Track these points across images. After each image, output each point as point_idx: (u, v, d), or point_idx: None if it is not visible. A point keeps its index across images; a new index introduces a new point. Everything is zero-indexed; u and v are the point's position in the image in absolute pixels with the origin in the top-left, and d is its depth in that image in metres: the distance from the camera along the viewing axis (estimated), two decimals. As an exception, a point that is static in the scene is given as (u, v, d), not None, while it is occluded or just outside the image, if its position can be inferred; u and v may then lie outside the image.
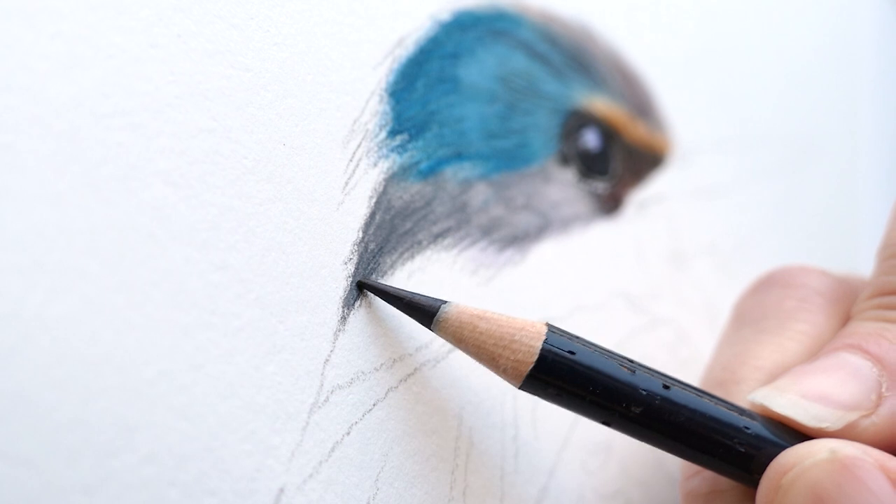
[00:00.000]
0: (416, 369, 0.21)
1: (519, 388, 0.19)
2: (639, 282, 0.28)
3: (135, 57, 0.17)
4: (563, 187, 0.26)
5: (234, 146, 0.19)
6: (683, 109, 0.31)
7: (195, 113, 0.18)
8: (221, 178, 0.18)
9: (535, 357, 0.19)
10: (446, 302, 0.20)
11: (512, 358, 0.19)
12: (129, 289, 0.16)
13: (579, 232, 0.26)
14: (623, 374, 0.19)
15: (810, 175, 0.35)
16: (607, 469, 0.25)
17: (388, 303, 0.20)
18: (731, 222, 0.32)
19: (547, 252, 0.25)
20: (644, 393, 0.19)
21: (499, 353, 0.19)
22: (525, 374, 0.19)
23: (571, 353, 0.19)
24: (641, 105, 0.29)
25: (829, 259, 0.31)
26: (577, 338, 0.20)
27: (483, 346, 0.19)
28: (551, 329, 0.19)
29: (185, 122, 0.18)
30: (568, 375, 0.19)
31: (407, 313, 0.20)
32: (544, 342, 0.19)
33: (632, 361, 0.20)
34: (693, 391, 0.20)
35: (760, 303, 0.24)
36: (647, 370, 0.20)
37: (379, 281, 0.21)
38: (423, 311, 0.20)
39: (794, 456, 0.19)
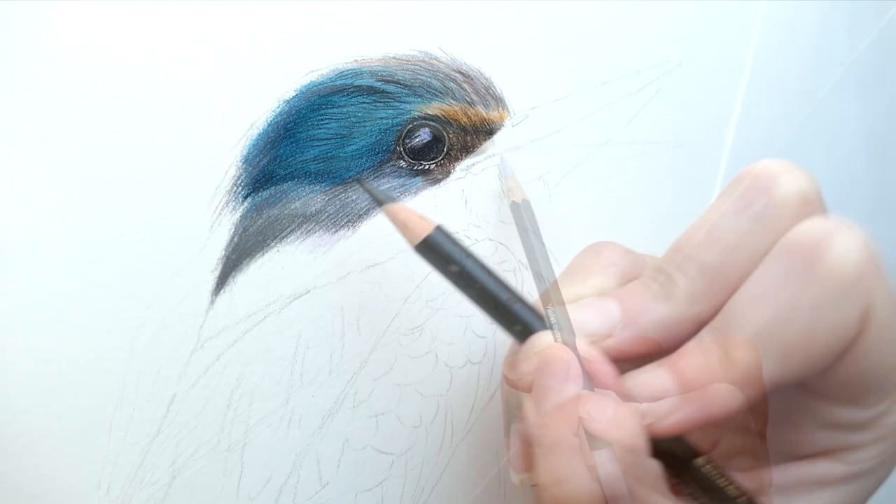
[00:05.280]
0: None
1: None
2: (462, 219, 0.33)
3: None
4: (395, 175, 0.31)
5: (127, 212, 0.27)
6: (519, 85, 0.34)
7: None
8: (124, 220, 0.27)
9: (420, 239, 0.27)
10: (395, 200, 0.28)
11: (409, 237, 0.28)
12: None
13: (408, 201, 0.31)
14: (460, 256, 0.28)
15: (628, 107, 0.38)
16: (420, 340, 0.32)
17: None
18: (559, 156, 0.35)
19: (377, 223, 0.31)
20: (455, 268, 0.27)
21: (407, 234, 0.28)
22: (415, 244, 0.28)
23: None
24: (481, 94, 0.33)
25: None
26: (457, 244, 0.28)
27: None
28: (438, 229, 0.28)
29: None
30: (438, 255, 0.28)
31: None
32: (428, 235, 0.28)
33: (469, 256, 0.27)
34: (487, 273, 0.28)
35: (575, 262, 0.32)
36: (476, 262, 0.27)
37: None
38: (378, 199, 0.29)
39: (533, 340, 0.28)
